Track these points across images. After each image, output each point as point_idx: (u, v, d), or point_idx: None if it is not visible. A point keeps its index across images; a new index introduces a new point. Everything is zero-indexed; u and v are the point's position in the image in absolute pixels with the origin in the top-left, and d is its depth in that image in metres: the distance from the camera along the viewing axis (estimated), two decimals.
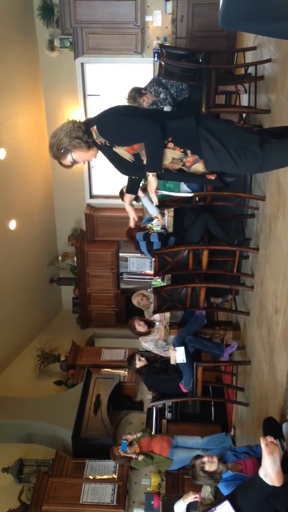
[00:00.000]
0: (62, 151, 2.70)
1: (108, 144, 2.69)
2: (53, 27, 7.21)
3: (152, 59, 7.00)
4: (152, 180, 2.72)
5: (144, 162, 2.70)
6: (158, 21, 6.95)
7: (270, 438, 2.57)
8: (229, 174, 2.87)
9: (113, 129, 2.64)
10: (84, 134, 2.67)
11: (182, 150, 2.64)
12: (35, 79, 7.64)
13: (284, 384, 3.41)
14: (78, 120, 2.74)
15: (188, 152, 2.63)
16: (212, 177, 2.75)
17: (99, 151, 2.79)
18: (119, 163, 2.78)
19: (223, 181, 2.84)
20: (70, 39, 7.04)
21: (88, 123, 2.71)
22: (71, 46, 7.11)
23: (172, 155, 2.65)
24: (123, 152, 2.70)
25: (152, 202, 2.94)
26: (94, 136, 2.69)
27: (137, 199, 5.15)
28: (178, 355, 4.73)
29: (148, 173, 2.71)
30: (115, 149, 2.70)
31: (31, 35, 7.34)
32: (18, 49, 7.10)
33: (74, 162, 2.77)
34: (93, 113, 7.81)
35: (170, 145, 2.63)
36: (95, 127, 2.67)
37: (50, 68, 7.56)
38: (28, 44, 7.34)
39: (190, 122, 2.60)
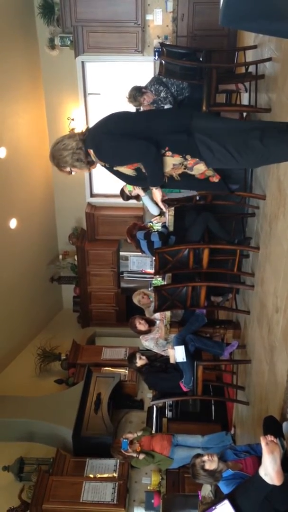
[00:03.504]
0: (62, 166, 2.80)
1: (108, 166, 2.78)
2: (53, 26, 7.21)
3: (153, 58, 7.00)
4: (156, 192, 2.79)
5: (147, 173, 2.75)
6: (158, 20, 6.95)
7: (270, 437, 2.57)
8: (232, 181, 2.90)
9: (109, 154, 2.72)
10: (86, 156, 2.75)
11: (181, 156, 2.66)
12: (36, 77, 7.64)
13: (285, 383, 3.41)
14: (78, 135, 2.75)
15: (188, 156, 2.65)
16: (216, 179, 2.77)
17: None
18: (123, 177, 2.86)
19: (228, 187, 2.86)
20: (71, 38, 7.03)
21: (84, 141, 2.73)
22: (71, 44, 7.10)
23: (172, 161, 2.67)
24: (124, 169, 2.77)
25: (152, 201, 2.98)
26: (94, 159, 2.77)
27: (137, 198, 5.18)
28: (178, 354, 4.73)
29: (151, 187, 2.79)
30: (115, 168, 2.78)
31: (32, 33, 7.34)
32: (18, 47, 7.09)
33: (73, 172, 2.88)
34: (93, 112, 7.86)
35: (168, 153, 2.66)
36: (92, 151, 2.73)
37: (51, 66, 7.56)
38: (29, 42, 7.33)
39: (182, 136, 2.62)
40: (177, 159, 2.66)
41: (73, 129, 2.42)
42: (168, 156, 2.66)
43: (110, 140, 2.66)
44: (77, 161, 2.74)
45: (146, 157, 2.64)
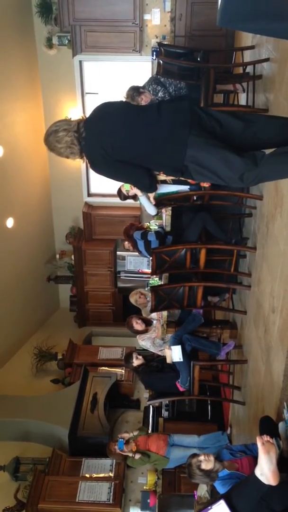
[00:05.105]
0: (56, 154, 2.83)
1: None
2: (51, 25, 7.20)
3: (151, 58, 6.99)
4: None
5: None
6: (156, 20, 6.94)
7: (266, 437, 2.57)
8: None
9: (104, 174, 2.82)
10: (80, 152, 2.76)
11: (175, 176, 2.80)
12: (33, 76, 7.63)
13: (281, 383, 3.41)
14: (73, 131, 2.71)
15: (181, 178, 2.75)
16: (206, 185, 2.84)
17: None
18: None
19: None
20: (69, 37, 7.03)
21: (79, 140, 2.71)
22: (69, 43, 7.10)
23: (166, 177, 2.82)
24: None
25: (149, 201, 3.03)
26: (89, 167, 2.86)
27: (135, 198, 5.18)
28: (174, 354, 4.73)
29: None
30: None
31: (29, 32, 7.32)
32: (16, 46, 7.08)
33: None
34: (91, 111, 7.83)
35: (163, 175, 2.78)
36: (87, 160, 2.79)
37: (48, 65, 7.54)
38: (26, 41, 7.32)
39: (177, 174, 2.67)
40: (170, 177, 2.87)
41: (70, 119, 2.41)
42: (162, 175, 2.80)
43: (105, 163, 2.72)
44: (71, 154, 2.78)
45: (141, 187, 2.88)
